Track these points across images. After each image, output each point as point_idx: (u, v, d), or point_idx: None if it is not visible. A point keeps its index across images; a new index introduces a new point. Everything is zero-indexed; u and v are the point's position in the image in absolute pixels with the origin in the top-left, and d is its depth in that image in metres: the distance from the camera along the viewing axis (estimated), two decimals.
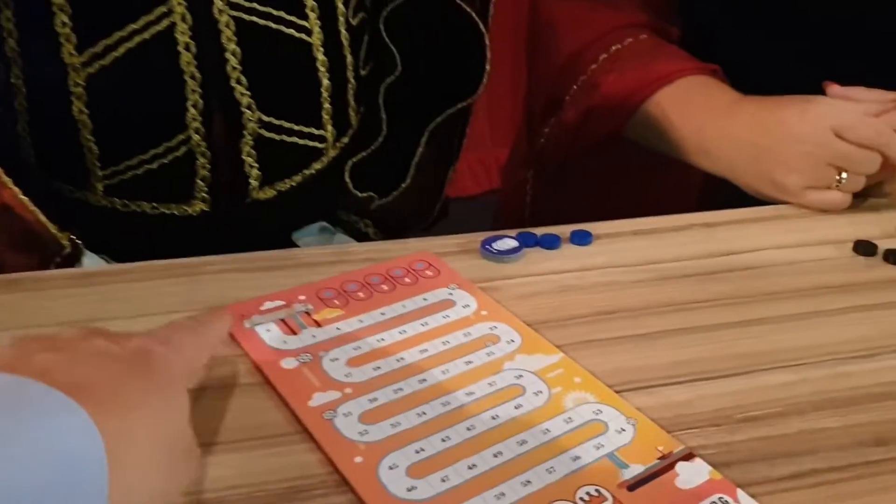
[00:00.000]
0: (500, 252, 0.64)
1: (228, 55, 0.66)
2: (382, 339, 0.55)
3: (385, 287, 0.60)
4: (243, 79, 0.67)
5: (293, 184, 0.73)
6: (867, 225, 0.72)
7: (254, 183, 0.70)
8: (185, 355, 0.45)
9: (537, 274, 0.63)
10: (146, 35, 0.64)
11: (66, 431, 0.32)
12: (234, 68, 0.66)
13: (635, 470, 0.46)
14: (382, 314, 0.57)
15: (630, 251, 0.66)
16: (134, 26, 0.63)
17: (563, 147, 0.91)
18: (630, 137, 0.87)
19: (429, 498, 0.43)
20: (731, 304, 0.60)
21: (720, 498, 0.44)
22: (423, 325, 0.57)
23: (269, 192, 0.72)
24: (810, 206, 0.74)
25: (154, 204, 0.69)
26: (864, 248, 0.67)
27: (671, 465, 0.46)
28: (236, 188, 0.71)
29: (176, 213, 0.70)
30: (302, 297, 0.59)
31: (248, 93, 0.67)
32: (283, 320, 0.56)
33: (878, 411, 0.51)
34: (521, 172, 1.02)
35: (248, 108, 0.68)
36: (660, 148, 0.84)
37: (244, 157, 0.69)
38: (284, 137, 0.71)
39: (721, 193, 0.79)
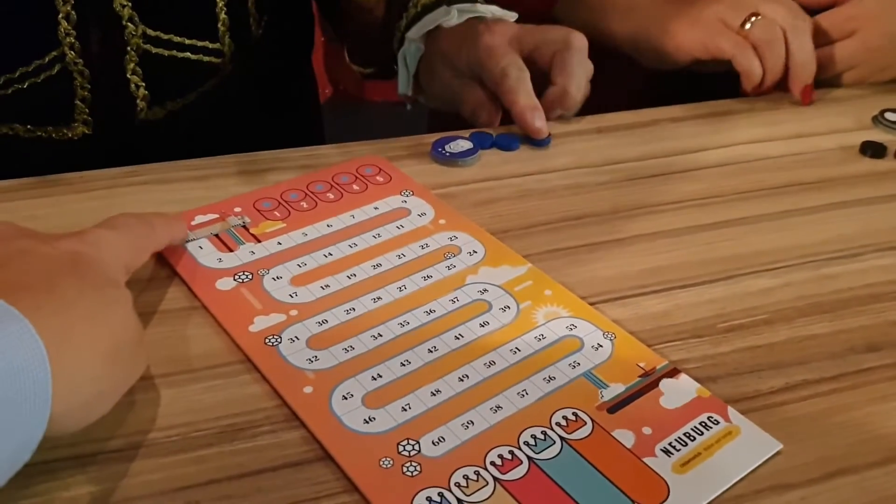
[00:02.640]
0: (454, 154, 0.58)
1: None
2: (330, 254, 0.49)
3: (331, 196, 0.54)
4: None
5: (186, 102, 0.65)
6: (840, 116, 0.68)
7: (141, 103, 0.62)
8: (118, 257, 0.41)
9: (495, 178, 0.58)
10: None
11: (6, 344, 0.31)
12: None
13: (615, 390, 0.41)
14: (329, 226, 0.52)
15: (593, 150, 0.61)
16: None
17: None
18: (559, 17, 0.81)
19: (389, 430, 0.39)
20: (703, 205, 0.56)
21: (710, 417, 0.40)
22: (374, 237, 0.51)
23: (158, 113, 0.64)
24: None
25: (29, 126, 0.61)
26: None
27: (654, 383, 0.42)
28: (121, 109, 0.63)
29: (54, 136, 0.61)
30: (237, 209, 0.52)
31: (129, 3, 0.59)
32: (216, 235, 0.50)
33: (868, 315, 0.47)
34: None
35: (130, 20, 0.59)
36: (585, 21, 0.78)
37: (129, 76, 0.61)
38: (175, 53, 0.62)
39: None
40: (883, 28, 0.69)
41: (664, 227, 0.54)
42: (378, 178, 0.56)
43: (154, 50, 0.61)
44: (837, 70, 0.70)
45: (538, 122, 0.60)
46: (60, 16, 0.57)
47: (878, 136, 0.65)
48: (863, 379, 0.43)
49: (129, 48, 0.60)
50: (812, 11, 0.70)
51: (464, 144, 0.59)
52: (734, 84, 0.69)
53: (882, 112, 0.67)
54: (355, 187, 0.55)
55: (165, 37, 0.61)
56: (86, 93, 0.60)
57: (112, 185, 0.55)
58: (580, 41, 0.62)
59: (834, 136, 0.65)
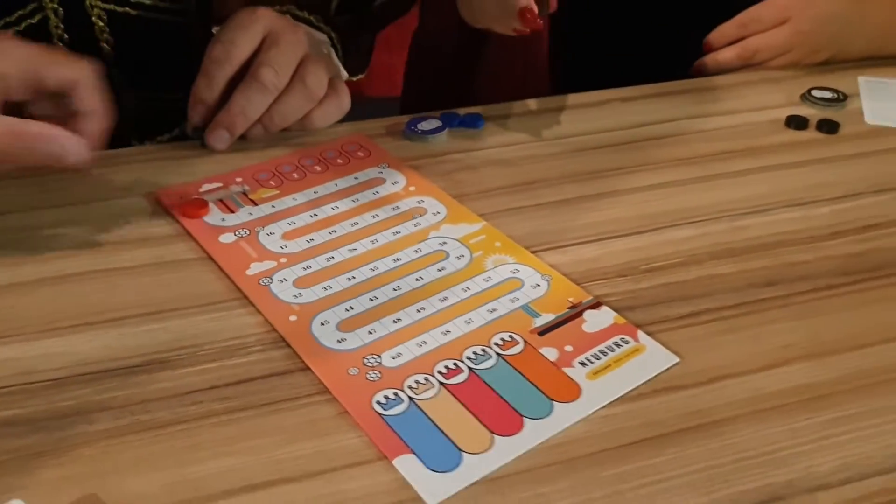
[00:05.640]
0: (424, 132, 0.67)
1: (102, 44, 0.69)
2: (315, 215, 0.58)
3: (318, 168, 0.64)
4: (115, 57, 0.71)
5: (170, 135, 0.75)
6: (773, 94, 0.76)
7: (105, 46, 0.72)
8: None
9: (461, 151, 0.66)
10: (20, 28, 0.67)
11: None
12: (107, 50, 0.70)
13: (546, 318, 0.50)
14: (315, 192, 0.61)
15: (550, 126, 0.70)
16: (8, 19, 0.66)
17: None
18: None
19: (357, 347, 0.48)
20: (642, 171, 0.64)
21: (622, 338, 0.49)
22: (353, 200, 0.60)
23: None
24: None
25: None
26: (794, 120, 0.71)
27: (579, 313, 0.51)
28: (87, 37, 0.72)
29: None
30: (238, 179, 0.62)
31: (122, 72, 0.71)
32: (221, 200, 0.59)
33: (771, 257, 0.56)
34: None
35: (121, 83, 0.71)
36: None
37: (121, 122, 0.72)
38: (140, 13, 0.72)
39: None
40: (813, 14, 0.77)
41: (604, 190, 0.62)
42: (359, 153, 0.65)
43: (119, 9, 0.70)
44: (773, 54, 0.78)
45: None
46: None
47: (804, 111, 0.73)
48: (757, 307, 0.52)
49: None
50: (752, 2, 0.79)
51: (433, 123, 0.68)
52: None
53: (809, 90, 0.75)
54: (339, 161, 0.64)
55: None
56: (61, 32, 0.69)
57: (128, 160, 0.64)
58: None
59: (765, 111, 0.73)
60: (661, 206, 0.60)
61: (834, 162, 0.66)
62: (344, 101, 0.67)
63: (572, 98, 0.74)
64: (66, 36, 0.68)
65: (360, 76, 0.80)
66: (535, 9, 0.62)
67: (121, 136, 0.72)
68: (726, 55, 0.79)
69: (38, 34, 0.67)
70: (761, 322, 0.51)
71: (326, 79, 0.65)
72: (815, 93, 0.74)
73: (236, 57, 0.62)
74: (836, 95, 0.74)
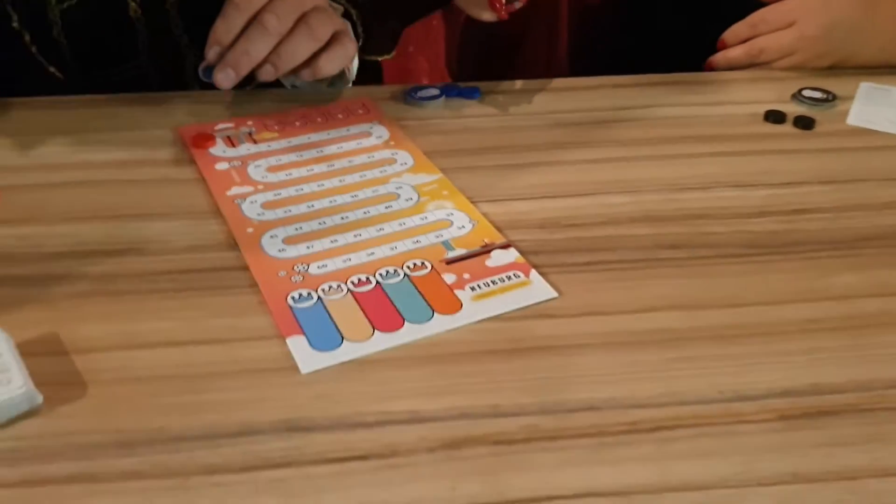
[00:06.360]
0: (421, 98, 0.76)
1: (167, 7, 0.81)
2: (301, 155, 0.69)
3: (319, 120, 0.74)
4: (180, 22, 0.82)
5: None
6: (765, 92, 0.80)
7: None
8: None
9: (449, 118, 0.75)
10: None
11: None
12: (174, 16, 0.81)
13: (459, 252, 0.58)
14: (308, 138, 0.71)
15: (536, 103, 0.77)
16: None
17: None
18: None
19: (292, 257, 0.57)
20: (601, 146, 0.71)
21: (514, 273, 0.56)
22: (338, 148, 0.70)
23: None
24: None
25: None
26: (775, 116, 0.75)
27: (488, 252, 0.58)
28: None
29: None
30: (249, 123, 0.73)
31: (186, 34, 0.83)
32: (228, 137, 0.71)
33: (687, 226, 0.61)
34: None
35: (186, 45, 0.83)
36: None
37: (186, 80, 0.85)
38: None
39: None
40: (819, 20, 0.81)
41: (559, 159, 0.69)
42: (359, 111, 0.75)
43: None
44: (778, 55, 0.82)
45: None
46: (139, 36, 0.80)
47: (790, 108, 0.77)
48: (653, 265, 0.58)
49: (185, 63, 0.83)
50: (760, 5, 0.83)
51: (432, 91, 0.77)
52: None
53: (800, 90, 0.78)
54: (339, 116, 0.75)
55: None
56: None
57: (167, 101, 0.77)
58: None
59: (749, 105, 0.77)
60: (605, 176, 0.67)
61: (794, 154, 0.70)
62: (349, 49, 0.74)
63: (568, 81, 0.81)
64: None
65: (388, 56, 0.90)
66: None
67: (184, 89, 0.85)
68: (735, 53, 0.83)
69: None
70: (650, 277, 0.57)
71: (332, 25, 0.73)
72: (806, 92, 0.78)
73: (254, 5, 0.72)
74: (826, 96, 0.77)
